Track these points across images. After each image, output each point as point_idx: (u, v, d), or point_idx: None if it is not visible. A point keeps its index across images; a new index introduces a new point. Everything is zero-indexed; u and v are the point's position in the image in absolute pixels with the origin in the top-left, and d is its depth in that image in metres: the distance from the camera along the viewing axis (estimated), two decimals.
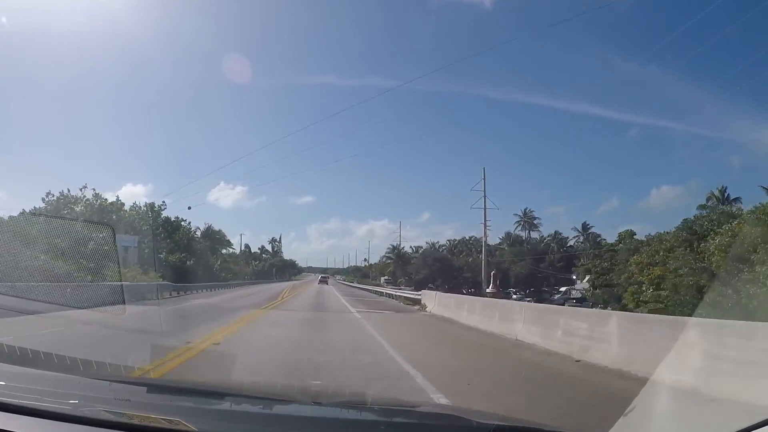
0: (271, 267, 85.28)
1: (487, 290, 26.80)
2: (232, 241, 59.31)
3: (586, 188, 71.44)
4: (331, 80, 71.07)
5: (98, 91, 64.04)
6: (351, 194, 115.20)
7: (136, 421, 1.18)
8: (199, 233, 47.55)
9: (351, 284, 66.99)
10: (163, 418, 1.17)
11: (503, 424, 1.33)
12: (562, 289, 41.21)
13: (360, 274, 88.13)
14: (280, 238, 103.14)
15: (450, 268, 46.29)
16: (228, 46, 67.40)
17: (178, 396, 1.69)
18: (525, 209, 56.61)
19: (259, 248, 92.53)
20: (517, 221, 56.75)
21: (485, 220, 40.61)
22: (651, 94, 54.75)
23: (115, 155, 66.91)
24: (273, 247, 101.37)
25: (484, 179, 42.05)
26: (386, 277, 66.53)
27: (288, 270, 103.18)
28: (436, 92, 75.35)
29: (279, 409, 1.66)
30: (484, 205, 41.47)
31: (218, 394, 1.76)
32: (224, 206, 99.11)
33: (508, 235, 55.09)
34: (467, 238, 60.06)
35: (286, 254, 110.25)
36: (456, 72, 75.87)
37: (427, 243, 60.85)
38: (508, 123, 73.70)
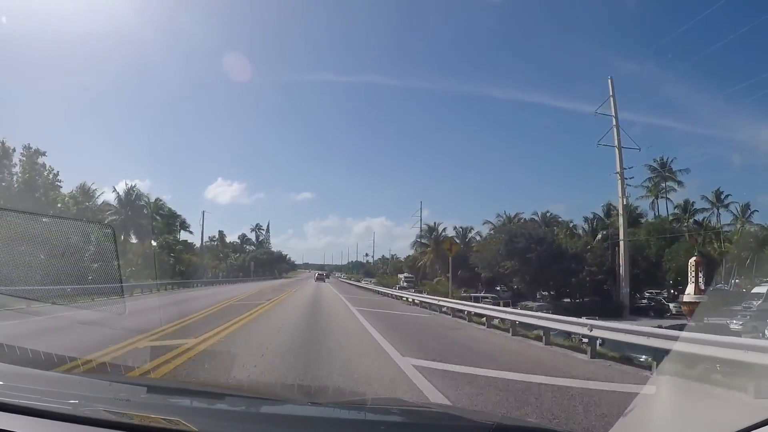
0: (253, 260, 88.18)
1: (684, 297, 20.36)
2: (188, 222, 57.81)
3: (586, 186, 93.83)
4: (329, 77, 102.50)
5: (96, 88, 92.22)
6: (349, 191, 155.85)
7: (136, 421, 1.68)
8: (114, 198, 44.87)
9: (357, 284, 64.72)
10: (163, 418, 1.73)
11: (503, 423, 1.88)
12: (759, 289, 31.60)
13: (363, 271, 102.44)
14: (267, 226, 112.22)
15: (560, 257, 38.23)
16: (227, 44, 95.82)
17: (178, 396, 2.42)
18: (661, 158, 50.32)
19: (239, 237, 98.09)
20: (650, 179, 49.99)
21: (621, 167, 34.34)
22: (651, 93, 74.84)
23: (111, 151, 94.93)
24: (257, 237, 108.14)
25: (613, 97, 35.36)
26: (407, 274, 66.00)
27: (277, 265, 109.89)
28: (434, 89, 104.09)
29: (279, 409, 2.36)
30: (617, 140, 34.38)
31: (218, 394, 2.51)
32: (221, 202, 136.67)
33: (612, 207, 48.74)
34: (521, 217, 54.03)
35: (284, 251, 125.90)
36: (454, 70, 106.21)
37: (499, 217, 55.89)
38: (507, 121, 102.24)
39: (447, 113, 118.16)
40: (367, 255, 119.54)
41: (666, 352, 7.21)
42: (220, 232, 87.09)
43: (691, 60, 72.98)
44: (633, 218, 46.18)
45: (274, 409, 2.41)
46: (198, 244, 65.93)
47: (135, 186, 48.45)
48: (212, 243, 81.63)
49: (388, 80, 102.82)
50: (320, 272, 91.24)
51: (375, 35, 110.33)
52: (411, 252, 74.59)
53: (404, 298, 29.64)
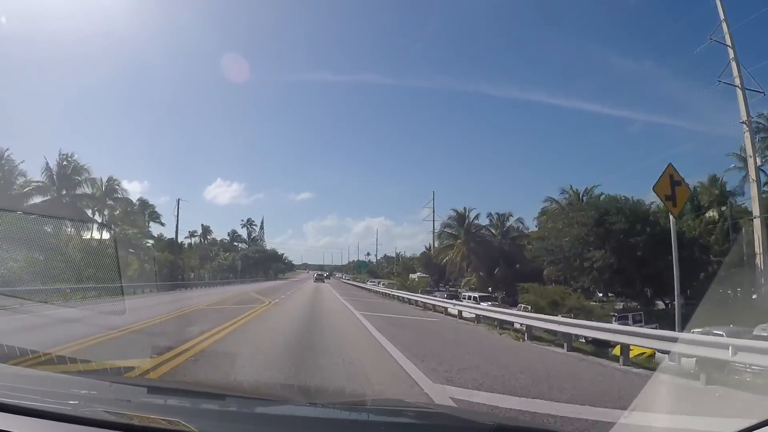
0: (242, 259, 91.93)
1: None
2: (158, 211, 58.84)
3: (587, 183, 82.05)
4: (327, 77, 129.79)
5: (94, 90, 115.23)
6: (348, 190, 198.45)
7: (136, 422, 2.10)
8: (42, 170, 39.69)
9: (365, 286, 63.44)
10: (163, 419, 2.21)
11: (504, 423, 2.41)
12: None
13: (366, 270, 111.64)
14: (261, 222, 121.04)
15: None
16: (225, 45, 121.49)
17: (178, 396, 3.01)
18: None
19: (228, 233, 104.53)
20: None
21: (748, 114, 30.53)
22: (650, 90, 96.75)
23: (109, 152, 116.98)
24: (249, 233, 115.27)
25: (726, 23, 32.27)
26: (421, 274, 66.72)
27: (272, 265, 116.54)
28: (433, 89, 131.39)
29: (279, 409, 2.94)
30: (738, 78, 30.96)
31: (218, 395, 3.09)
32: (221, 203, 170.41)
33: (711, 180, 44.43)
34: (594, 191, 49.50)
35: (283, 251, 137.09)
36: (453, 69, 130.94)
37: (563, 192, 52.00)
38: (505, 119, 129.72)
39: (445, 111, 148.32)
40: (368, 254, 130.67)
41: None
42: (204, 227, 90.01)
43: (689, 55, 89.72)
44: (723, 197, 43.42)
45: (274, 409, 3.00)
46: (181, 241, 68.97)
47: (72, 156, 43.90)
48: (194, 238, 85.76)
49: (385, 79, 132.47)
50: (319, 272, 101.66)
51: (372, 34, 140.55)
52: (424, 248, 77.61)
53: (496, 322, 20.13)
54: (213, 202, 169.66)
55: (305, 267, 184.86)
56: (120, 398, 2.74)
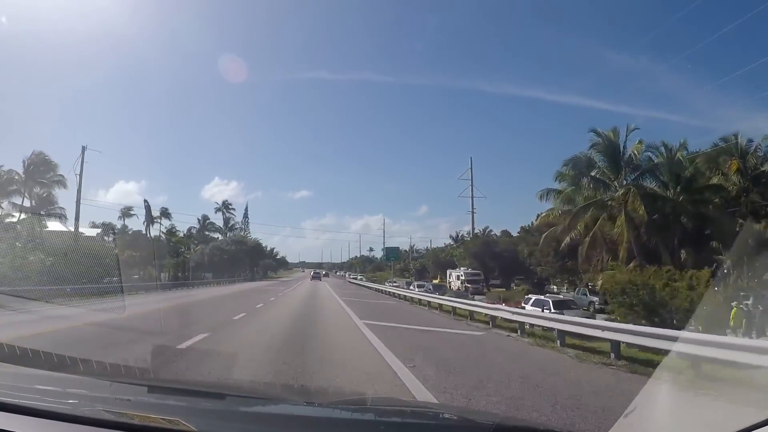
0: (218, 252, 75.49)
1: None
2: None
3: None
4: (324, 76, 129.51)
5: (94, 91, 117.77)
6: (346, 189, 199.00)
7: (136, 421, 2.16)
8: None
9: (412, 293, 37.33)
10: (162, 418, 2.25)
11: (503, 423, 2.49)
12: None
13: (372, 268, 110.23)
14: (246, 210, 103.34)
15: None
16: (223, 45, 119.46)
17: (177, 396, 3.09)
18: None
19: (198, 219, 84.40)
20: None
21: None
22: (645, 86, 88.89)
23: (108, 153, 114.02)
24: (226, 220, 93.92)
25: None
26: (469, 269, 45.27)
27: (261, 261, 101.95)
28: (431, 86, 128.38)
29: (278, 409, 3.03)
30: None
31: (218, 394, 3.17)
32: (219, 202, 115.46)
33: None
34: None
35: (281, 251, 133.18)
36: (451, 66, 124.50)
37: None
38: (505, 118, 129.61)
39: (444, 109, 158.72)
40: (371, 249, 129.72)
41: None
42: (147, 205, 68.78)
43: (685, 51, 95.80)
44: None
45: (274, 409, 3.09)
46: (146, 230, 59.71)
47: None
48: (130, 219, 68.23)
49: (383, 77, 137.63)
50: (317, 270, 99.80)
51: (370, 32, 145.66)
52: (449, 237, 73.94)
53: None
54: (211, 201, 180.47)
55: (302, 265, 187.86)
56: (120, 397, 2.80)
